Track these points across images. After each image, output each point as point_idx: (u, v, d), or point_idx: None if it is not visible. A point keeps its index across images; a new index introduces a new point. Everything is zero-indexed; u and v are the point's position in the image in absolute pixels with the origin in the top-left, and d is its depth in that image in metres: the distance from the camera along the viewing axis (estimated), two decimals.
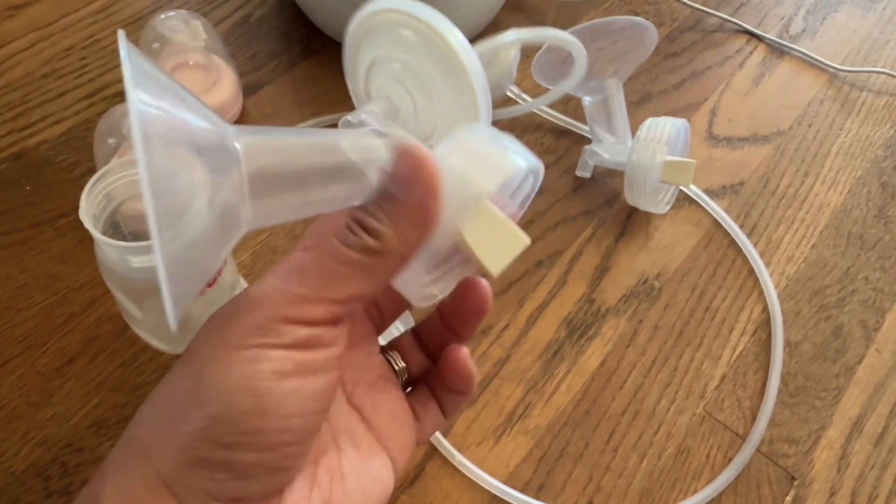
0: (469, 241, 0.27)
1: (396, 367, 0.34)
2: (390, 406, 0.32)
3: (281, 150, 0.25)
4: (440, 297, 0.31)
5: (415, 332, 0.35)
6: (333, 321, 0.25)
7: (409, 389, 0.35)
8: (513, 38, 0.44)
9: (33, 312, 0.52)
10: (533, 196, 0.32)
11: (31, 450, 0.47)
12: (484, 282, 0.32)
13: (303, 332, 0.24)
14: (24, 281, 0.54)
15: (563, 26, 0.65)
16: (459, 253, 0.29)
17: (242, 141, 0.24)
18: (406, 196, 0.25)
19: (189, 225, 0.22)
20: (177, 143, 0.22)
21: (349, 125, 0.29)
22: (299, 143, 0.25)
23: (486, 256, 0.28)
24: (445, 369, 0.32)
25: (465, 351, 0.32)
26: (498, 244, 0.27)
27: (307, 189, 0.25)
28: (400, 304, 0.34)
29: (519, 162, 0.28)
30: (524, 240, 0.28)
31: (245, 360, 0.24)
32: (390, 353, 0.34)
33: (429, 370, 0.35)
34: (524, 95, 0.67)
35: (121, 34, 0.22)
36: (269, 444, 0.24)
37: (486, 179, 0.27)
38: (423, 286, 0.30)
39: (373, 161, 0.25)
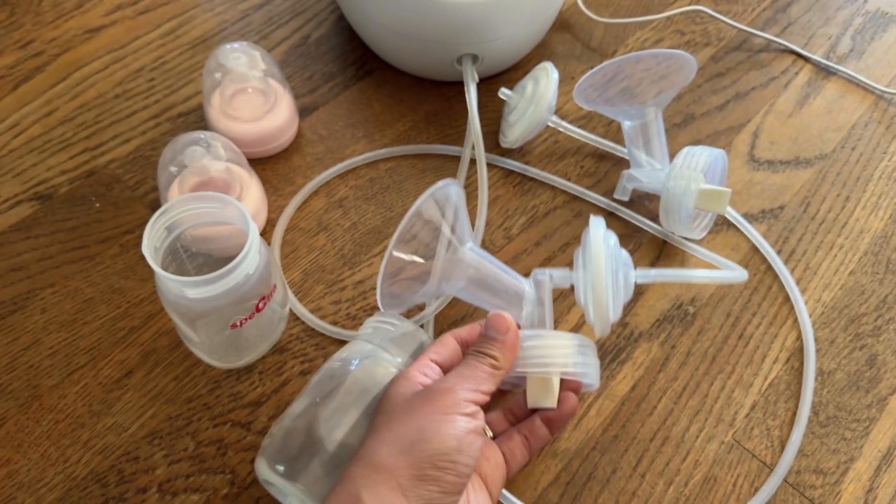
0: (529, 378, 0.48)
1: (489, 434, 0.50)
2: (495, 457, 0.47)
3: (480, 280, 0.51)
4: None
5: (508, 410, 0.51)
6: (481, 403, 0.43)
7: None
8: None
9: (97, 325, 0.56)
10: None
11: (92, 457, 0.51)
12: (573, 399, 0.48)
13: (473, 407, 0.42)
14: (90, 295, 0.58)
15: (611, 46, 0.66)
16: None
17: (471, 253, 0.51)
18: (502, 338, 0.46)
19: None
20: (459, 212, 0.49)
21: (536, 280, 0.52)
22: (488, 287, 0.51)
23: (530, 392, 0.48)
24: (558, 420, 0.49)
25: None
26: (539, 391, 0.47)
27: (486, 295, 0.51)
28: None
29: (594, 382, 0.49)
30: (554, 406, 0.47)
31: (450, 421, 0.41)
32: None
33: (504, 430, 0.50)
34: (566, 124, 0.68)
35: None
36: (460, 472, 0.40)
37: (565, 361, 0.47)
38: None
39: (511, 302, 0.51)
